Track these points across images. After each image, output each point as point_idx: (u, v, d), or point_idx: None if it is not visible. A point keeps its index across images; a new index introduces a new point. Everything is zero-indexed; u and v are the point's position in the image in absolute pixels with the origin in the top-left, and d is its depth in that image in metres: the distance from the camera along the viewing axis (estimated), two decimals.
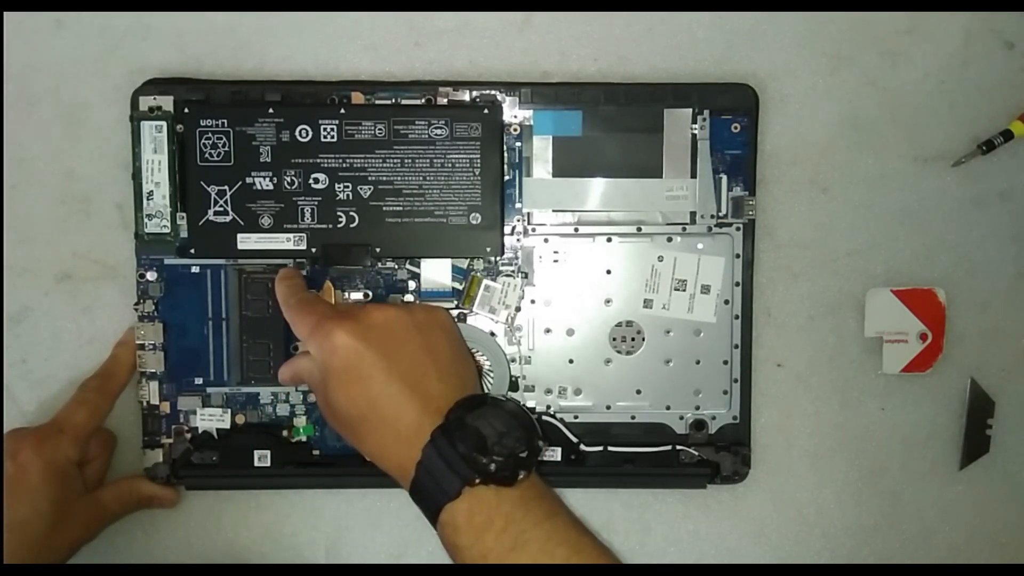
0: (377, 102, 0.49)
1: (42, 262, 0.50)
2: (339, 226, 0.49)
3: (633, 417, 0.51)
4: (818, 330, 0.52)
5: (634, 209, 0.50)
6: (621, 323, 0.51)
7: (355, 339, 0.42)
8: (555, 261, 0.50)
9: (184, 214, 0.49)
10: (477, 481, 0.39)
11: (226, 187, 0.48)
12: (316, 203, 0.48)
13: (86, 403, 0.48)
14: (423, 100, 0.49)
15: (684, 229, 0.50)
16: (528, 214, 0.50)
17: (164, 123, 0.48)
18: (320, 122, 0.48)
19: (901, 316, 0.51)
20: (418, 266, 0.50)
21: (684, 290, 0.50)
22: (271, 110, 0.48)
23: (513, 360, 0.50)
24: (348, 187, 0.48)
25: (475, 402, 0.42)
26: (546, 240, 0.50)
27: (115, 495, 0.48)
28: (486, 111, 0.49)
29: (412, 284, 0.50)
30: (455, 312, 0.50)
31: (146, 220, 0.49)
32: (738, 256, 0.50)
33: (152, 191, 0.49)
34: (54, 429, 0.47)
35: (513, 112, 0.49)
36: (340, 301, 0.50)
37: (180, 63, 0.50)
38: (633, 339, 0.51)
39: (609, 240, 0.50)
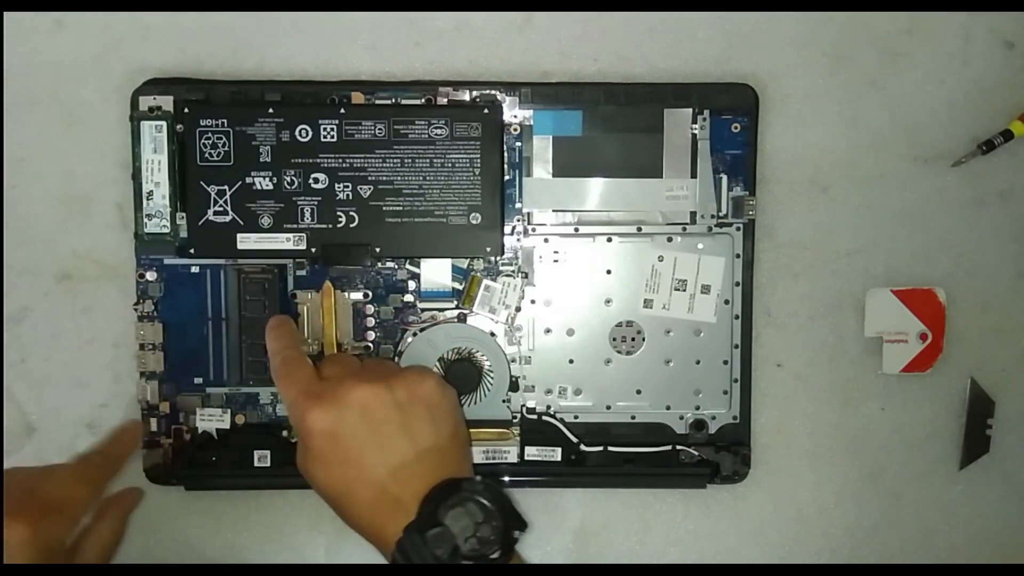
0: (377, 102, 0.49)
1: (42, 262, 0.50)
2: (339, 226, 0.49)
3: (633, 417, 0.51)
4: (818, 330, 0.52)
5: (634, 209, 0.50)
6: (621, 323, 0.51)
7: (330, 423, 0.41)
8: (555, 261, 0.50)
9: (184, 214, 0.49)
10: None
11: (226, 187, 0.48)
12: (316, 203, 0.48)
13: (88, 480, 0.43)
14: (423, 100, 0.49)
15: (684, 229, 0.50)
16: (528, 214, 0.50)
17: (164, 123, 0.48)
18: (320, 122, 0.48)
19: (901, 316, 0.51)
20: (418, 266, 0.50)
21: (684, 290, 0.50)
22: (271, 110, 0.48)
23: (513, 360, 0.50)
24: (348, 187, 0.48)
25: (452, 489, 0.40)
26: (546, 240, 0.50)
27: (98, 547, 0.45)
28: (486, 111, 0.49)
29: (412, 284, 0.50)
30: (454, 312, 0.50)
31: (146, 220, 0.49)
32: (738, 256, 0.50)
33: (152, 191, 0.49)
34: (52, 506, 0.41)
35: (513, 112, 0.49)
36: (340, 301, 0.50)
37: (180, 63, 0.50)
38: (633, 339, 0.51)
39: (609, 240, 0.50)
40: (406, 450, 0.41)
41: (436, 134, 0.48)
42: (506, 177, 0.49)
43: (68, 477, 0.43)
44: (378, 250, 0.49)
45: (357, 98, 0.49)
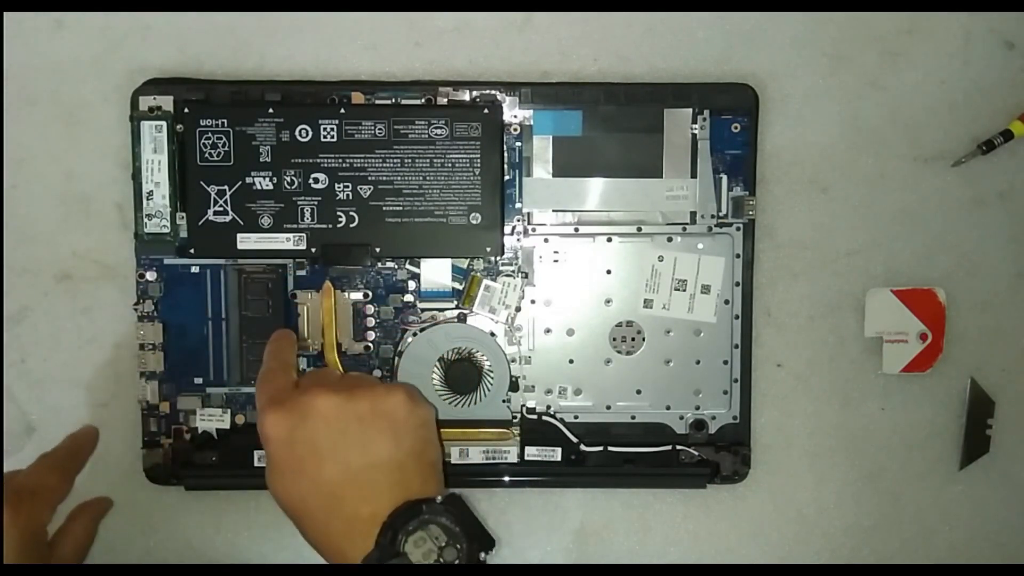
0: (377, 102, 0.49)
1: (42, 262, 0.50)
2: (339, 226, 0.49)
3: (633, 417, 0.51)
4: (818, 330, 0.52)
5: (634, 209, 0.50)
6: (621, 323, 0.51)
7: (285, 430, 0.40)
8: (555, 261, 0.50)
9: (184, 214, 0.49)
10: None
11: (226, 187, 0.48)
12: (316, 203, 0.48)
13: (56, 467, 0.46)
14: (423, 100, 0.49)
15: (684, 229, 0.50)
16: (528, 214, 0.50)
17: (164, 123, 0.48)
18: (320, 122, 0.48)
19: (901, 316, 0.51)
20: (418, 266, 0.50)
21: (684, 290, 0.50)
22: (271, 110, 0.48)
23: (513, 360, 0.50)
24: (348, 187, 0.48)
25: (411, 513, 0.39)
26: (546, 240, 0.50)
27: (73, 546, 0.47)
28: (486, 111, 0.49)
29: (412, 284, 0.50)
30: (454, 312, 0.50)
31: (146, 220, 0.49)
32: (738, 256, 0.50)
33: (152, 191, 0.49)
34: (27, 492, 0.44)
35: (513, 112, 0.49)
36: (340, 301, 0.50)
37: (180, 63, 0.50)
38: (633, 339, 0.51)
39: (609, 240, 0.50)
40: (362, 465, 0.40)
41: (436, 134, 0.48)
42: (506, 177, 0.49)
43: (39, 467, 0.46)
44: (378, 250, 0.49)
45: (357, 98, 0.49)
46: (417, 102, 0.49)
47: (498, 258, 0.50)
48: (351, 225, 0.49)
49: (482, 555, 0.39)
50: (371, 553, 0.38)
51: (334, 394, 0.41)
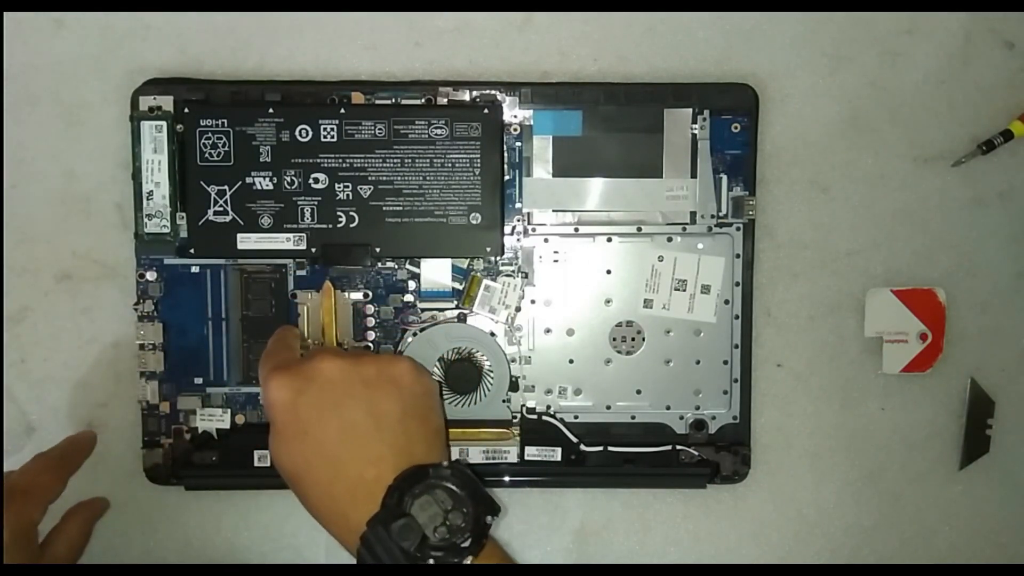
0: (377, 102, 0.49)
1: (42, 262, 0.50)
2: (339, 226, 0.49)
3: (633, 417, 0.51)
4: (818, 330, 0.52)
5: (634, 209, 0.50)
6: (621, 323, 0.51)
7: (291, 393, 0.40)
8: (555, 261, 0.50)
9: (184, 214, 0.49)
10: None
11: (226, 187, 0.48)
12: (316, 203, 0.48)
13: (50, 467, 0.46)
14: (423, 100, 0.49)
15: (684, 229, 0.50)
16: (528, 214, 0.50)
17: (164, 123, 0.48)
18: (320, 122, 0.48)
19: (901, 316, 0.51)
20: (418, 266, 0.50)
21: (684, 290, 0.50)
22: (271, 110, 0.48)
23: (513, 360, 0.50)
24: (348, 187, 0.48)
25: (419, 477, 0.39)
26: (546, 240, 0.50)
27: (67, 546, 0.47)
28: (486, 111, 0.49)
29: (412, 284, 0.50)
30: (454, 312, 0.50)
31: (146, 220, 0.49)
32: (738, 256, 0.50)
33: (152, 191, 0.49)
34: (19, 490, 0.44)
35: (513, 112, 0.49)
36: (340, 301, 0.50)
37: (180, 63, 0.50)
38: (633, 339, 0.51)
39: (609, 240, 0.50)
40: (367, 427, 0.40)
41: (436, 134, 0.48)
42: (506, 177, 0.49)
43: (33, 466, 0.46)
44: (378, 250, 0.49)
45: (357, 98, 0.49)
46: (417, 102, 0.49)
47: (498, 258, 0.50)
48: (351, 225, 0.49)
49: (488, 519, 0.39)
50: (377, 514, 0.38)
51: (340, 359, 0.41)
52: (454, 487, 0.39)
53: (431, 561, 0.37)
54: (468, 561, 0.38)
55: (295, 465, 0.40)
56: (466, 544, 0.38)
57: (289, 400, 0.40)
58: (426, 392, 0.43)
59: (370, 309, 0.50)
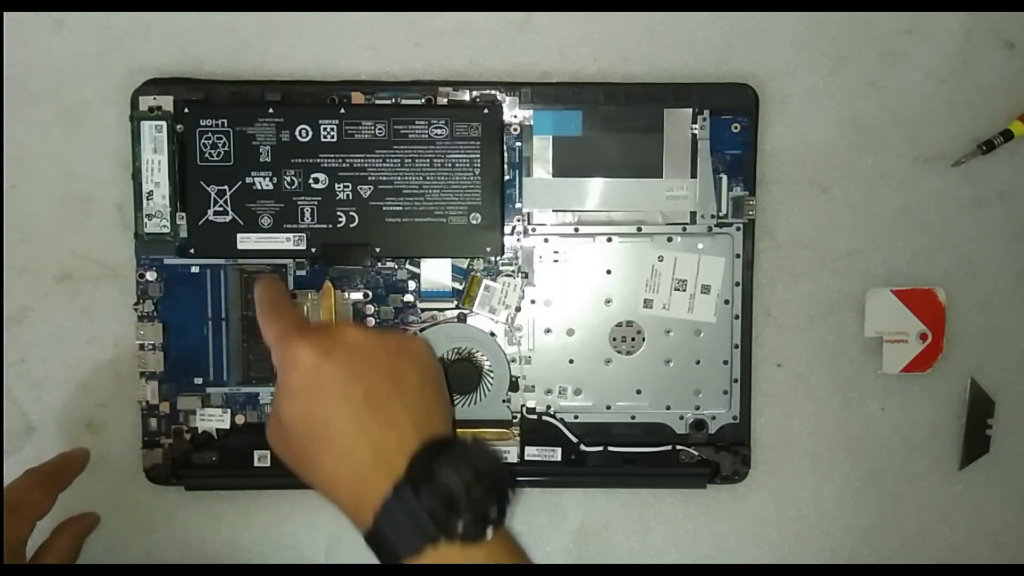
0: (377, 102, 0.49)
1: (42, 262, 0.50)
2: (339, 226, 0.49)
3: (633, 417, 0.51)
4: (818, 330, 0.52)
5: (634, 209, 0.50)
6: (621, 323, 0.51)
7: (318, 355, 0.39)
8: (555, 261, 0.50)
9: (184, 214, 0.49)
10: (442, 541, 0.36)
11: (226, 187, 0.48)
12: (316, 203, 0.48)
13: (39, 483, 0.46)
14: (423, 100, 0.49)
15: (684, 229, 0.50)
16: (528, 214, 0.50)
17: (164, 123, 0.48)
18: (320, 122, 0.48)
19: (901, 316, 0.51)
20: (418, 266, 0.50)
21: (684, 290, 0.50)
22: (271, 110, 0.48)
23: (513, 360, 0.50)
24: (348, 187, 0.48)
25: (442, 446, 0.38)
26: (546, 240, 0.50)
27: (55, 560, 0.46)
28: (486, 111, 0.49)
29: (412, 284, 0.50)
30: (454, 312, 0.50)
31: (146, 220, 0.49)
32: (738, 256, 0.50)
33: (152, 191, 0.49)
34: (6, 506, 0.44)
35: (513, 112, 0.49)
36: (340, 301, 0.50)
37: (180, 63, 0.50)
38: (633, 339, 0.51)
39: (609, 240, 0.50)
40: (393, 394, 0.40)
41: (436, 134, 0.48)
42: (506, 177, 0.49)
43: (22, 482, 0.45)
44: (378, 250, 0.49)
45: (357, 98, 0.49)
46: (417, 102, 0.49)
47: (498, 258, 0.50)
48: (351, 225, 0.49)
49: (511, 492, 0.39)
50: (404, 476, 0.37)
51: (363, 329, 0.41)
52: (477, 462, 0.38)
53: (459, 527, 0.36)
54: (491, 533, 0.37)
55: (312, 427, 0.39)
56: (493, 515, 0.37)
57: (315, 362, 0.40)
58: (439, 369, 0.43)
59: (370, 309, 0.50)
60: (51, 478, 0.46)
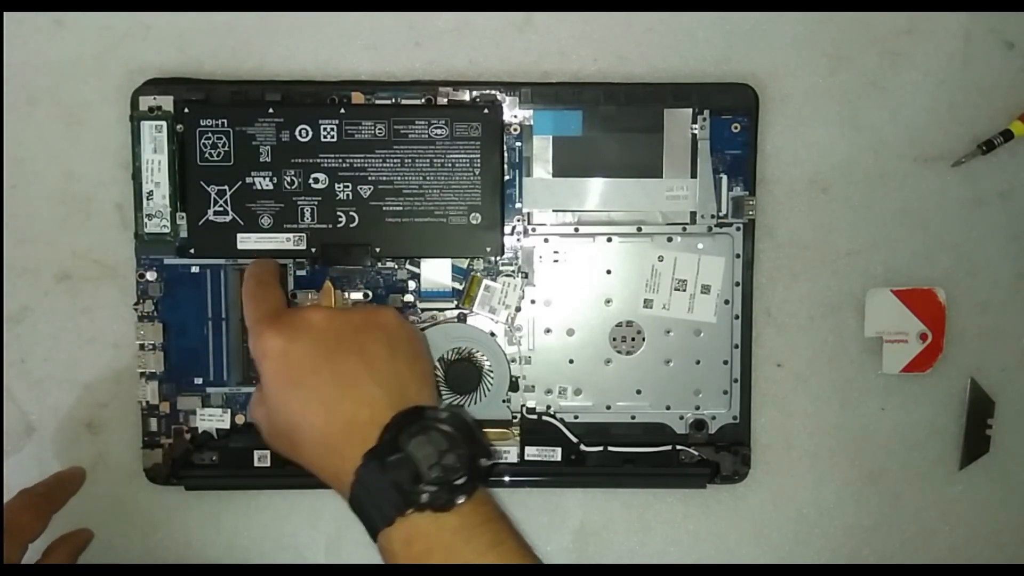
0: (377, 102, 0.49)
1: (42, 262, 0.50)
2: (339, 226, 0.49)
3: (633, 417, 0.51)
4: (818, 330, 0.52)
5: (634, 209, 0.50)
6: (621, 323, 0.51)
7: (283, 340, 0.40)
8: (555, 261, 0.50)
9: (184, 214, 0.49)
10: (410, 511, 0.37)
11: (226, 187, 0.48)
12: (316, 203, 0.48)
13: (32, 505, 0.45)
14: (423, 100, 0.49)
15: (684, 229, 0.50)
16: (528, 214, 0.50)
17: (164, 123, 0.48)
18: (320, 122, 0.48)
19: (901, 316, 0.51)
20: (418, 266, 0.50)
21: (684, 290, 0.50)
22: (271, 110, 0.48)
23: (513, 360, 0.50)
24: (348, 187, 0.48)
25: (412, 417, 0.39)
26: (546, 240, 0.50)
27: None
28: (486, 111, 0.49)
29: (412, 284, 0.50)
30: (454, 312, 0.50)
31: (146, 220, 0.49)
32: (738, 256, 0.50)
33: (152, 191, 0.49)
34: (2, 530, 0.44)
35: (513, 112, 0.49)
36: (340, 301, 0.50)
37: (180, 63, 0.50)
38: (633, 339, 0.51)
39: (609, 240, 0.50)
40: (359, 370, 0.40)
41: (436, 134, 0.48)
42: (506, 177, 0.49)
43: (15, 504, 0.45)
44: (378, 250, 0.49)
45: (357, 98, 0.49)
46: (417, 102, 0.49)
47: (498, 258, 0.50)
48: (351, 225, 0.49)
49: (482, 461, 0.39)
50: (372, 448, 0.38)
51: (327, 310, 0.42)
52: (450, 428, 0.39)
53: (424, 497, 0.37)
54: (460, 501, 0.38)
55: (289, 414, 0.40)
56: (460, 482, 0.38)
57: (281, 348, 0.41)
58: (412, 336, 0.44)
59: None
60: (44, 500, 0.46)
